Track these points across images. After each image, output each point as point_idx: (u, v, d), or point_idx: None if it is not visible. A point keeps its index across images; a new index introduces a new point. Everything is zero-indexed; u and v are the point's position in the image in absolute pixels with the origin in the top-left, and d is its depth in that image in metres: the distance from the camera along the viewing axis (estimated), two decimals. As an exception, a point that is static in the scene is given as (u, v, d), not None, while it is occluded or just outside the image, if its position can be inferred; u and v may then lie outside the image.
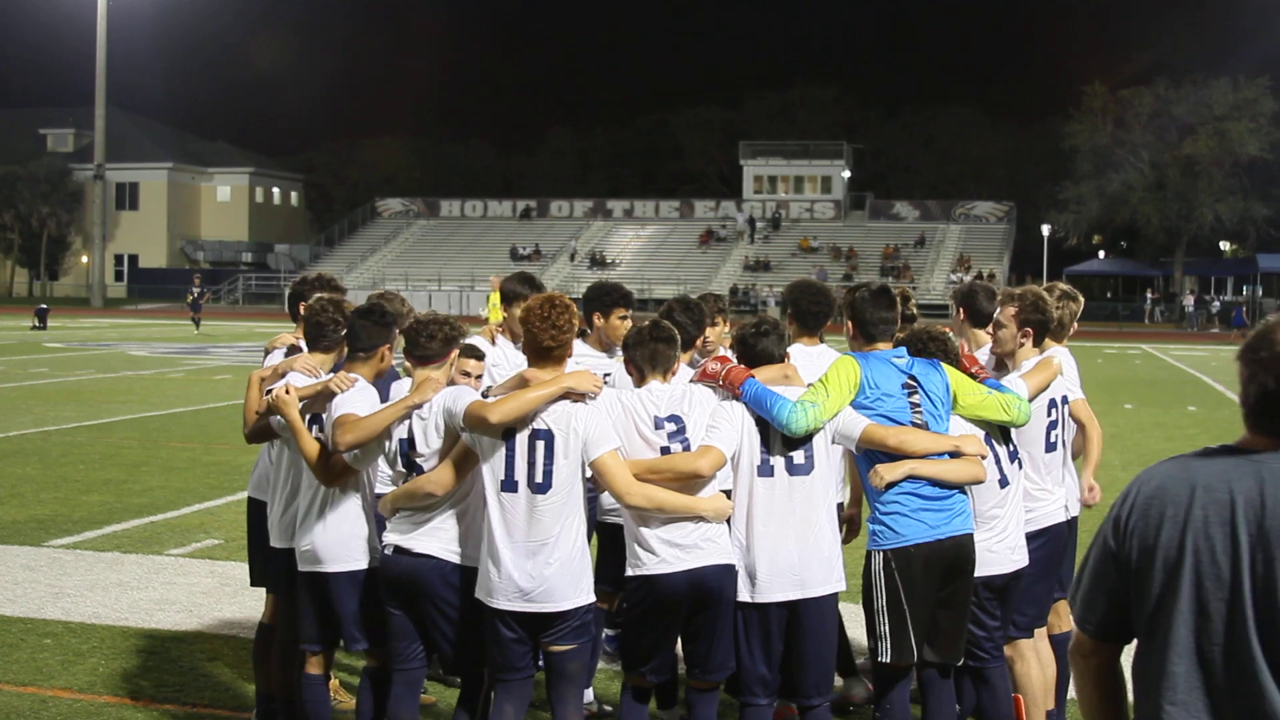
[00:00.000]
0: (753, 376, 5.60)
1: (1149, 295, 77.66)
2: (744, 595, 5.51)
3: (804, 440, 5.55)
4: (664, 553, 5.40)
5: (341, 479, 5.74)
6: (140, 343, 41.08)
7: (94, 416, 20.11)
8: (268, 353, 6.61)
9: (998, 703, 5.95)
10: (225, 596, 9.23)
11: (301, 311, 6.58)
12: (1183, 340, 55.50)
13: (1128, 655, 3.11)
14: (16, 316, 56.24)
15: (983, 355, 6.65)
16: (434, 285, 76.53)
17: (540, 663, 5.54)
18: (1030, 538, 6.12)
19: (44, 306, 50.32)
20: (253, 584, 6.84)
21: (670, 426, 5.52)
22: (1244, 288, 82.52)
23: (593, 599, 5.45)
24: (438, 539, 5.50)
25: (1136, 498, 3.03)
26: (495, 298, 26.72)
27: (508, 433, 5.32)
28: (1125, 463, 16.16)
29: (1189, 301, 71.35)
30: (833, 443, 5.68)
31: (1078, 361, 6.96)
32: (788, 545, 5.48)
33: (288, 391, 5.77)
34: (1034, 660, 6.25)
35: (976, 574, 5.73)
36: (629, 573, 5.53)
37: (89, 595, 9.29)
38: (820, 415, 5.50)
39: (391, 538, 5.57)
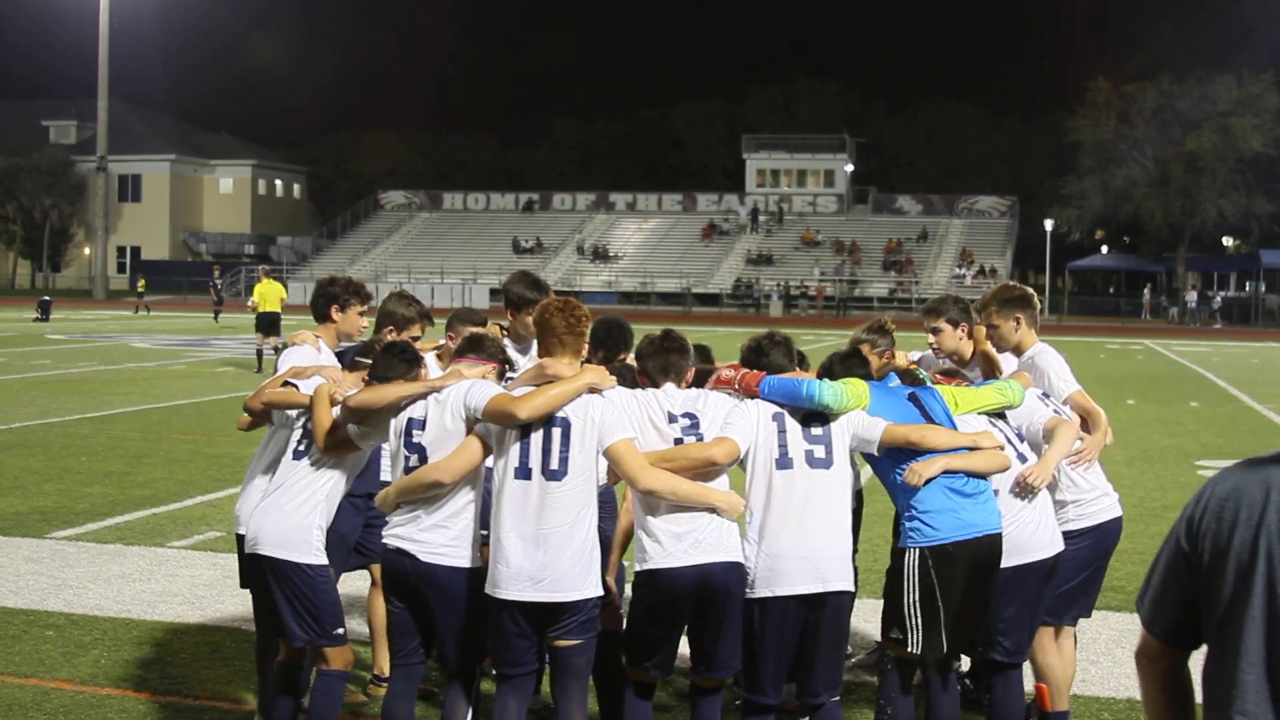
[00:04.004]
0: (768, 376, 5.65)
1: (1146, 291, 77.53)
2: (762, 590, 5.47)
3: (823, 436, 5.57)
4: (671, 546, 5.37)
5: (339, 451, 5.74)
6: (143, 335, 41.09)
7: (96, 408, 20.11)
8: (287, 346, 6.61)
9: (1011, 694, 5.97)
10: (227, 589, 9.20)
11: (333, 315, 6.67)
12: (1185, 336, 55.46)
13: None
14: (19, 308, 56.26)
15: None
16: (436, 278, 76.53)
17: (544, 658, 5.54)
18: (1081, 534, 6.18)
19: (47, 298, 50.37)
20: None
21: (685, 421, 5.55)
22: (1247, 283, 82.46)
23: (600, 593, 5.42)
24: (441, 537, 5.45)
25: (1210, 499, 2.90)
26: (263, 289, 27.74)
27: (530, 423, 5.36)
28: (1128, 458, 16.14)
29: (1191, 297, 71.30)
30: (852, 448, 5.69)
31: (1069, 356, 6.94)
32: (807, 537, 5.46)
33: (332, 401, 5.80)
34: (1054, 650, 6.28)
35: (1027, 559, 5.80)
36: (636, 568, 5.52)
37: (91, 587, 9.29)
38: (848, 394, 5.55)
39: (393, 538, 5.53)
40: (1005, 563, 5.75)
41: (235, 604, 8.80)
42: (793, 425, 5.56)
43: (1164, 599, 2.98)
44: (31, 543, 10.65)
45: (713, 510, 5.42)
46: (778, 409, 5.61)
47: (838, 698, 5.70)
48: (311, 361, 6.39)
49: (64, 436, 16.87)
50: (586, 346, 5.77)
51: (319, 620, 5.75)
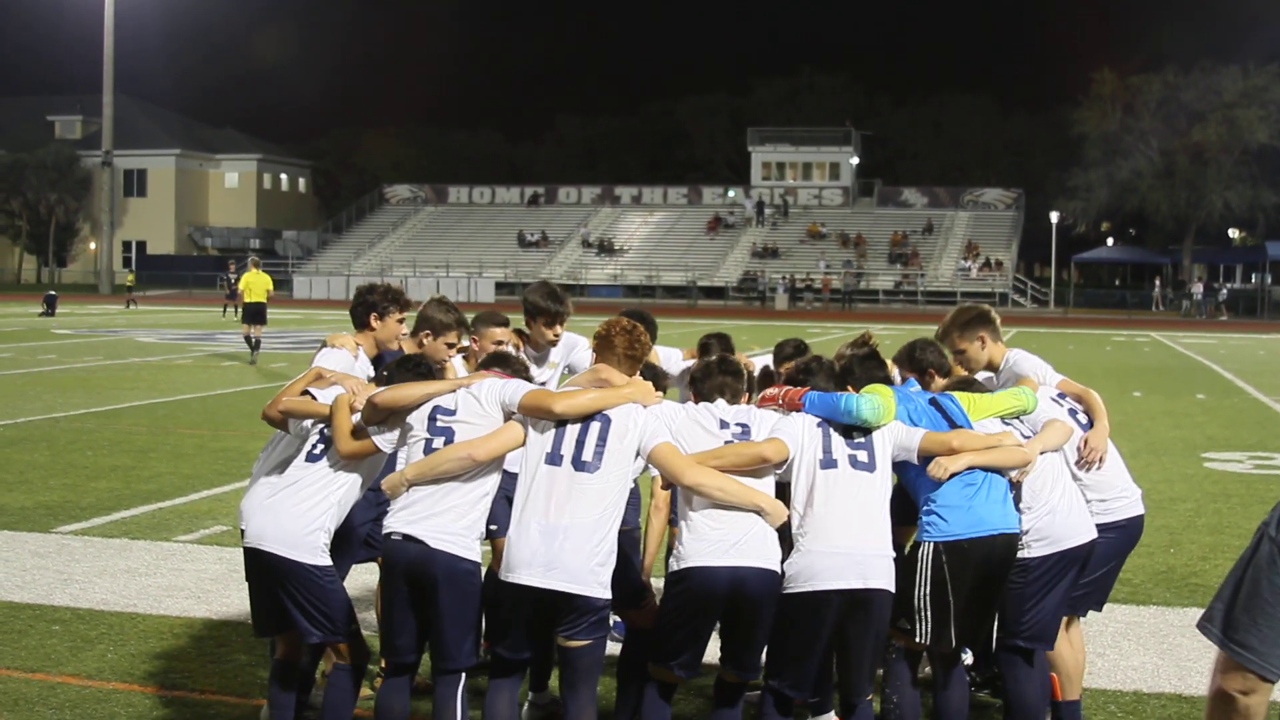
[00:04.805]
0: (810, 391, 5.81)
1: (1156, 283, 77.37)
2: (802, 584, 5.44)
3: (865, 443, 5.65)
4: (708, 546, 5.36)
5: (359, 454, 5.74)
6: (148, 329, 41.12)
7: (102, 403, 20.12)
8: (324, 346, 6.62)
9: (1032, 681, 5.98)
10: (234, 583, 9.20)
11: (372, 323, 6.71)
12: (1191, 328, 55.40)
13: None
14: (25, 303, 56.32)
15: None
16: (442, 271, 76.55)
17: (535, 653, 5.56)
18: (1106, 529, 6.19)
19: (52, 293, 50.41)
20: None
21: (736, 429, 5.61)
22: (1253, 275, 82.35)
23: (610, 596, 5.40)
24: (454, 525, 5.43)
25: None
26: (250, 279, 29.35)
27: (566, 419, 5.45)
28: (1134, 450, 16.12)
29: (1197, 289, 71.22)
30: (894, 457, 5.74)
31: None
32: (851, 533, 5.47)
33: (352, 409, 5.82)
34: (1065, 640, 6.31)
35: (1062, 548, 5.86)
36: (671, 565, 5.51)
37: (97, 582, 9.29)
38: (884, 407, 5.67)
39: (399, 524, 5.50)
40: (1041, 552, 5.84)
41: (241, 598, 8.78)
42: (836, 432, 5.67)
43: (1271, 628, 2.65)
44: (37, 537, 10.66)
45: (758, 511, 5.42)
46: (822, 419, 5.72)
47: (870, 696, 5.72)
48: (347, 367, 6.42)
49: (69, 431, 16.88)
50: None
51: (332, 618, 5.75)
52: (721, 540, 5.35)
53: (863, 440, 5.66)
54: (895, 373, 6.83)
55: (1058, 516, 5.89)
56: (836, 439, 5.63)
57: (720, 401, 5.75)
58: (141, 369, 26.61)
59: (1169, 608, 9.01)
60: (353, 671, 5.83)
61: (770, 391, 5.91)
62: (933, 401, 5.95)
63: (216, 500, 12.32)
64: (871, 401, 5.65)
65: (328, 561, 5.77)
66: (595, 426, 5.39)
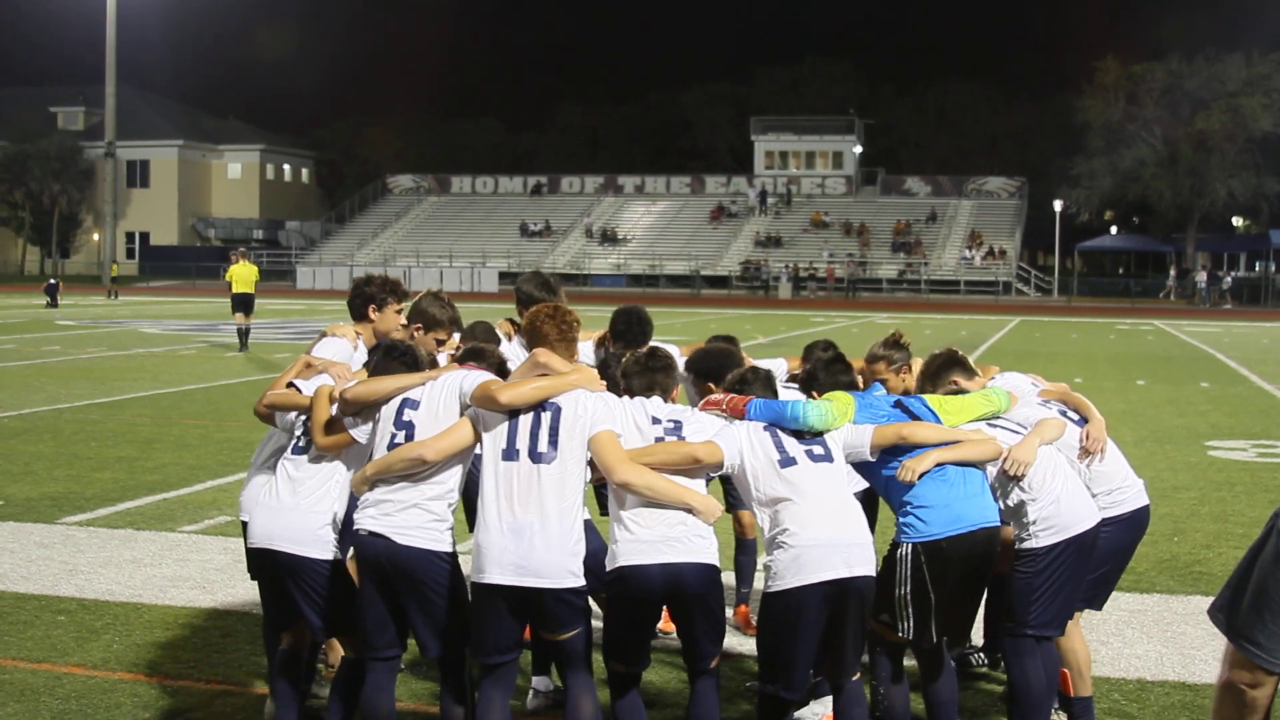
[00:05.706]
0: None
1: (1171, 272, 76.92)
2: (789, 580, 5.38)
3: (818, 439, 5.62)
4: (640, 544, 5.34)
5: (333, 444, 5.74)
6: (152, 320, 41.15)
7: (106, 394, 20.15)
8: (323, 336, 6.63)
9: (1038, 670, 5.98)
10: (238, 573, 9.21)
11: (370, 315, 6.71)
12: (1195, 316, 55.35)
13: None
14: (28, 294, 56.32)
15: None
16: (445, 262, 76.53)
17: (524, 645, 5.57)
18: (1115, 521, 6.21)
19: (53, 281, 50.48)
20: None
21: (668, 424, 5.61)
22: (1257, 263, 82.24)
23: (584, 582, 5.38)
24: (419, 519, 5.43)
25: None
26: (237, 270, 30.06)
27: (514, 409, 5.40)
28: (1138, 439, 16.12)
29: (1201, 277, 71.10)
30: (846, 457, 5.72)
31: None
32: (831, 524, 5.44)
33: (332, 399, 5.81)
34: (1078, 637, 6.32)
35: (1068, 535, 5.85)
36: (607, 565, 5.48)
37: (102, 572, 9.31)
38: (834, 412, 5.64)
39: (366, 519, 5.49)
40: (1048, 541, 5.84)
41: (246, 588, 8.81)
42: (786, 433, 5.63)
43: (1277, 624, 2.65)
44: (43, 528, 10.68)
45: (689, 510, 5.39)
46: (768, 423, 5.69)
47: (859, 676, 5.71)
48: (345, 357, 6.42)
49: (74, 422, 16.90)
50: (603, 334, 5.85)
51: (342, 615, 5.76)
52: (654, 538, 5.33)
53: (814, 438, 5.63)
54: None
55: (1063, 504, 5.88)
56: (787, 439, 5.59)
57: (655, 398, 5.75)
58: (145, 360, 26.65)
59: (1173, 596, 9.01)
60: (358, 666, 5.83)
61: (715, 397, 5.90)
62: (898, 404, 5.92)
63: (221, 491, 12.33)
64: (819, 408, 5.61)
65: (340, 555, 5.79)
66: (546, 417, 5.38)
